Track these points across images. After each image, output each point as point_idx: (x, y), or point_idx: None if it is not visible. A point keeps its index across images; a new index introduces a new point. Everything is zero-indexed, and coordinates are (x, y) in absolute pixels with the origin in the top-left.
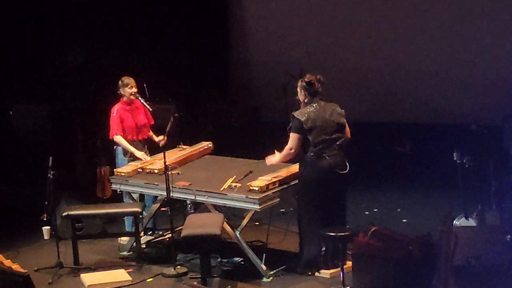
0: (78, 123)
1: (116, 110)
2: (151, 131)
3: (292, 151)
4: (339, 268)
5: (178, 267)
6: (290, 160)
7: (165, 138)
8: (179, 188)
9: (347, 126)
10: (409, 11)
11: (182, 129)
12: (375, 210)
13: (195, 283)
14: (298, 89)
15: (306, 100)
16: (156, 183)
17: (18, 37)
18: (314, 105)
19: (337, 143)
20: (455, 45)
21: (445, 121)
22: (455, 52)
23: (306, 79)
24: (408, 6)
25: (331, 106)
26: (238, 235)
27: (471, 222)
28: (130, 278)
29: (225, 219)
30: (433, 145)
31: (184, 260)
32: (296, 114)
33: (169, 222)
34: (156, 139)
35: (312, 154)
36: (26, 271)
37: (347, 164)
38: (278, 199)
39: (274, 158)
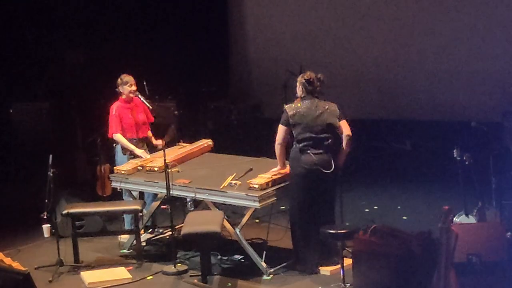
0: (78, 121)
1: (115, 108)
2: (150, 133)
3: (277, 142)
4: (339, 265)
5: (178, 264)
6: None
7: (164, 142)
8: (179, 185)
9: (345, 122)
10: (409, 8)
11: (182, 127)
12: (375, 207)
13: (195, 280)
14: (298, 84)
15: (302, 96)
16: (156, 181)
17: (18, 36)
18: (307, 102)
19: (325, 143)
20: (455, 42)
21: (445, 118)
22: (455, 49)
23: (306, 77)
24: (409, 2)
25: (325, 105)
26: (238, 232)
27: (471, 219)
28: (130, 276)
29: (225, 217)
30: (433, 142)
31: (184, 257)
32: (286, 107)
33: (169, 220)
34: (155, 142)
35: (296, 149)
36: (26, 269)
37: (332, 164)
38: (275, 198)
39: (275, 168)
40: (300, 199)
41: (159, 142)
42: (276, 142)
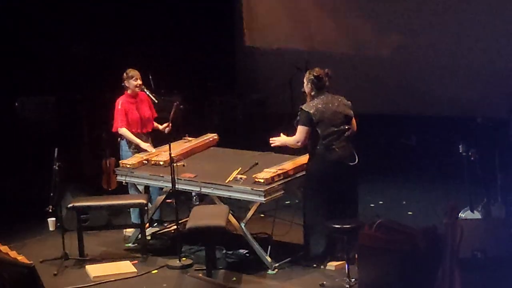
0: (84, 115)
1: (120, 103)
2: (155, 123)
3: (299, 143)
4: (344, 261)
5: (183, 259)
6: (297, 152)
7: (170, 125)
8: (185, 180)
9: (353, 118)
10: (416, 2)
11: (187, 121)
12: (381, 202)
13: (200, 275)
14: (305, 81)
15: (312, 93)
16: (161, 175)
17: (24, 29)
18: (322, 97)
19: (345, 134)
20: (461, 38)
21: (451, 114)
22: (461, 45)
23: (315, 73)
24: None
25: (337, 98)
26: (243, 227)
27: (477, 215)
28: (135, 270)
29: (230, 211)
30: (439, 137)
31: (189, 252)
32: (304, 107)
33: (174, 214)
34: (161, 127)
35: (321, 147)
36: (31, 262)
37: (356, 155)
38: (283, 191)
39: (281, 139)
40: (325, 195)
41: (165, 125)
42: (298, 143)
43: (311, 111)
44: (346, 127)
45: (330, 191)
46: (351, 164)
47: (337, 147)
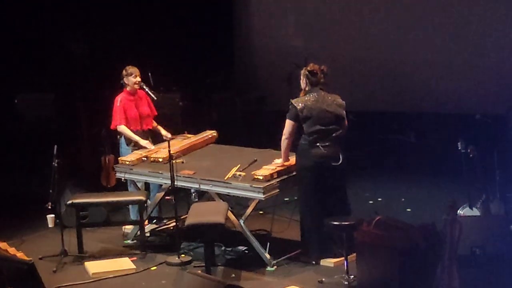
0: (83, 112)
1: (119, 100)
2: (158, 125)
3: (285, 136)
4: (342, 257)
5: (182, 255)
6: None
7: (171, 136)
8: (184, 176)
9: (345, 118)
10: (416, 0)
11: (186, 118)
12: (379, 199)
13: (199, 271)
14: (301, 76)
15: (307, 89)
16: (160, 172)
17: (23, 27)
18: (314, 94)
19: (333, 135)
20: (459, 34)
21: (449, 111)
22: (459, 41)
23: (309, 68)
24: None
25: (331, 97)
26: (242, 224)
27: (476, 212)
28: (134, 267)
29: (229, 208)
30: (438, 134)
31: (188, 248)
32: (294, 101)
33: (173, 211)
34: (163, 132)
35: (305, 142)
36: (30, 259)
37: (341, 156)
38: (281, 189)
39: (278, 159)
40: (310, 192)
41: (168, 134)
42: (284, 137)
43: (298, 107)
44: (335, 127)
45: (315, 187)
46: (334, 164)
47: (321, 145)
